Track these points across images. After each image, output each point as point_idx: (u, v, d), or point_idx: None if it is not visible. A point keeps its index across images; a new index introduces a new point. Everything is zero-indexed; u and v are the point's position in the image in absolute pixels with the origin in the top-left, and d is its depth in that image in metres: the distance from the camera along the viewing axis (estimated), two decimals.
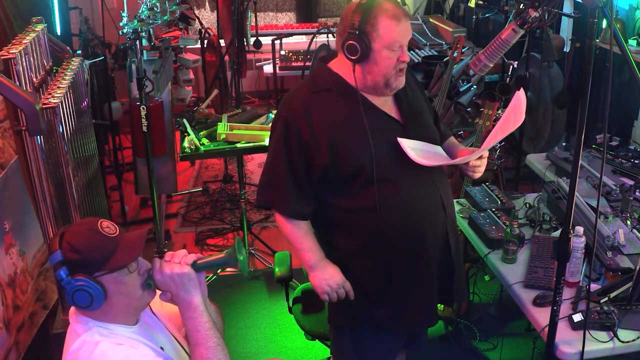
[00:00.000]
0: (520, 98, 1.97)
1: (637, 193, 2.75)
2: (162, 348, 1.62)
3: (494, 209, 2.74)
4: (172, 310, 1.73)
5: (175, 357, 1.65)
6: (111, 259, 1.49)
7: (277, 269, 2.52)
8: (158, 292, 1.62)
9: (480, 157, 2.05)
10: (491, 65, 3.04)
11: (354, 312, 2.09)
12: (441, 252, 2.07)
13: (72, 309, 1.58)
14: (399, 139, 1.92)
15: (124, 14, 3.54)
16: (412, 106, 2.06)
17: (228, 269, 3.82)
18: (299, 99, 1.98)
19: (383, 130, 1.95)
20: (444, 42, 5.12)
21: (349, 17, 1.87)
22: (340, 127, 1.93)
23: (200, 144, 3.35)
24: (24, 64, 2.29)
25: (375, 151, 1.90)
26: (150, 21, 3.39)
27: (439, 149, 2.08)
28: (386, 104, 2.01)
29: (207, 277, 3.61)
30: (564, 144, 3.40)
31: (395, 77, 1.93)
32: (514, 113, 1.98)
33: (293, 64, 6.02)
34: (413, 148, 1.93)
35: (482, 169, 2.09)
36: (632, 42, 3.59)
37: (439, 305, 2.56)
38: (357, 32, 1.84)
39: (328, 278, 2.02)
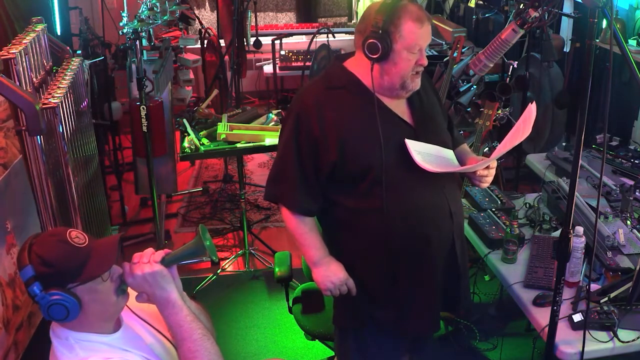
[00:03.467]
0: (532, 111, 1.98)
1: (637, 193, 2.75)
2: (151, 349, 1.61)
3: (494, 209, 2.74)
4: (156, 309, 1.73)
5: (164, 356, 1.64)
6: (84, 270, 1.46)
7: (277, 269, 2.52)
8: (134, 295, 1.59)
9: (488, 167, 2.05)
10: (491, 65, 3.04)
11: (358, 313, 2.08)
12: (447, 258, 2.06)
13: (53, 323, 1.55)
14: (407, 141, 1.91)
15: (124, 14, 3.54)
16: (425, 110, 2.05)
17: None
18: (312, 94, 1.98)
19: (394, 132, 1.94)
20: (444, 42, 5.12)
21: (372, 16, 1.87)
22: (351, 125, 1.93)
23: (200, 144, 3.35)
24: (24, 64, 2.29)
25: (385, 153, 1.90)
26: (150, 21, 3.39)
27: (448, 153, 2.07)
28: (399, 107, 2.00)
29: (207, 277, 3.66)
30: (564, 144, 3.40)
31: (412, 79, 1.93)
32: (524, 124, 1.98)
33: (293, 64, 6.02)
34: (419, 151, 1.92)
35: (490, 178, 2.08)
36: (632, 42, 3.59)
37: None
38: (380, 32, 1.84)
39: (331, 275, 2.02)
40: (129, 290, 1.59)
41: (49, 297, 1.43)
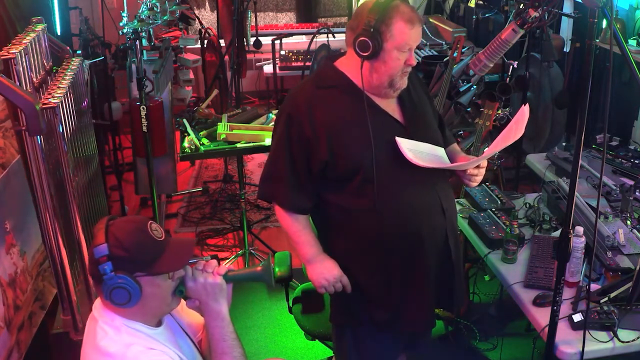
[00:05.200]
0: (524, 113, 2.01)
1: (637, 193, 2.75)
2: (183, 353, 1.64)
3: (494, 209, 2.74)
4: (190, 317, 1.75)
5: None
6: (156, 263, 1.50)
7: (277, 269, 2.51)
8: (183, 300, 1.64)
9: (478, 166, 2.06)
10: (491, 65, 3.04)
11: (355, 311, 2.09)
12: (441, 255, 2.07)
13: (97, 301, 1.58)
14: (397, 139, 1.93)
15: (124, 14, 3.54)
16: (416, 108, 2.07)
17: None
18: (303, 94, 2.00)
19: (384, 131, 1.96)
20: (444, 42, 5.12)
21: (364, 15, 1.89)
22: (341, 123, 1.95)
23: (200, 144, 3.35)
24: (24, 64, 2.29)
25: (376, 151, 1.91)
26: (150, 21, 3.39)
27: (439, 151, 2.08)
28: (389, 106, 2.02)
29: None
30: (564, 144, 3.40)
31: (400, 77, 1.95)
32: (516, 125, 2.00)
33: (293, 64, 6.02)
34: (411, 149, 1.93)
35: (479, 178, 2.10)
36: (632, 42, 3.59)
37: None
38: (372, 30, 1.85)
39: (325, 272, 2.04)
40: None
41: (117, 280, 1.47)
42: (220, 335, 1.59)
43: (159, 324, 1.62)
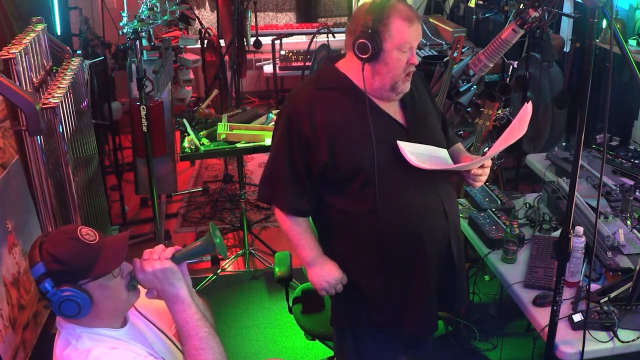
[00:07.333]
0: (527, 110, 1.99)
1: (637, 193, 2.75)
2: (152, 347, 1.63)
3: (494, 209, 2.74)
4: (161, 308, 1.72)
5: (166, 355, 1.65)
6: (95, 267, 1.48)
7: (277, 269, 2.52)
8: (143, 291, 1.61)
9: (482, 166, 2.04)
10: (491, 65, 3.04)
11: (355, 313, 2.08)
12: (443, 258, 2.05)
13: (60, 318, 1.57)
14: (399, 143, 1.91)
15: (124, 14, 3.54)
16: (418, 110, 2.05)
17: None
18: (303, 95, 1.98)
19: (386, 132, 1.94)
20: (444, 42, 5.12)
21: (361, 16, 1.87)
22: (341, 125, 1.93)
23: (200, 144, 3.35)
24: (24, 64, 2.30)
25: (377, 154, 1.90)
26: (150, 21, 3.39)
27: (442, 152, 2.06)
28: (391, 108, 2.00)
29: (207, 277, 3.66)
30: (564, 144, 3.40)
31: (403, 80, 1.93)
32: (519, 124, 1.98)
33: (293, 64, 6.02)
34: (413, 152, 1.92)
35: (484, 178, 2.07)
36: (632, 42, 3.59)
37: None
38: (370, 31, 1.84)
39: (326, 274, 2.03)
40: (139, 287, 1.61)
41: (61, 294, 1.45)
42: (184, 319, 1.56)
43: (123, 323, 1.61)
